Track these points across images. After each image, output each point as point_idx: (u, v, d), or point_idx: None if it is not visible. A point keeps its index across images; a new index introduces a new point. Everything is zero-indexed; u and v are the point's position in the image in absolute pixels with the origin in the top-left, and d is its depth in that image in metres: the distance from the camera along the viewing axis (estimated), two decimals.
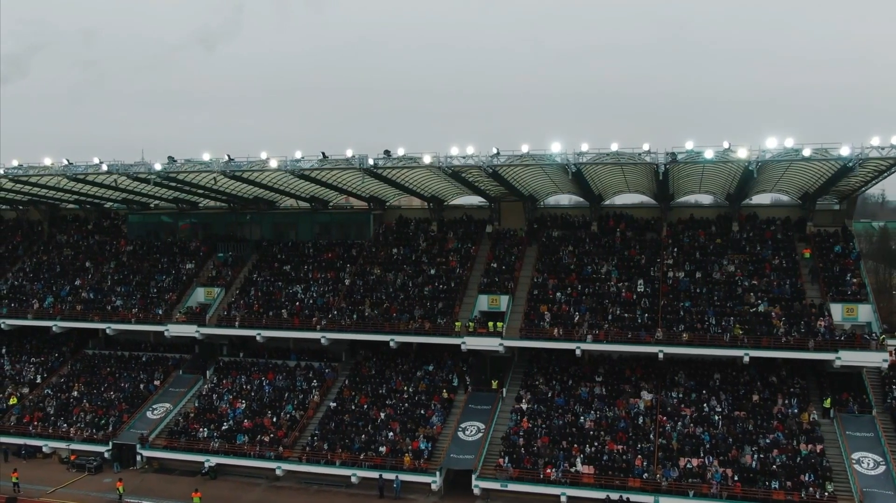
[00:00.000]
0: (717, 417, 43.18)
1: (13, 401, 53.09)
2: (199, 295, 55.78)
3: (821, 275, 47.15)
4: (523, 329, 47.20)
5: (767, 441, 40.96)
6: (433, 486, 41.94)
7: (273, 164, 44.66)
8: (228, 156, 45.69)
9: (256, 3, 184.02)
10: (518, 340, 46.86)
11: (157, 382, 53.06)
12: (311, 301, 52.84)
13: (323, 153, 44.23)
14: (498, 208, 55.78)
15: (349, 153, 43.63)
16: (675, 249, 51.03)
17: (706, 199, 56.09)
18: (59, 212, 67.31)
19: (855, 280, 46.17)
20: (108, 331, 54.16)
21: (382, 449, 43.97)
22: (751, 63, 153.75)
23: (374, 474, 42.84)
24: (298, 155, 44.66)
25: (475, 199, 60.33)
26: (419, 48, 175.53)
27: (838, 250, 48.58)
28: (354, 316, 50.57)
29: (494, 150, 41.40)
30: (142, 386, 52.92)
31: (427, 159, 42.28)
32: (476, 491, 41.36)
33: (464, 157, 42.27)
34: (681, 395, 45.29)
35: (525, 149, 40.92)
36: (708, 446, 41.13)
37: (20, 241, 65.66)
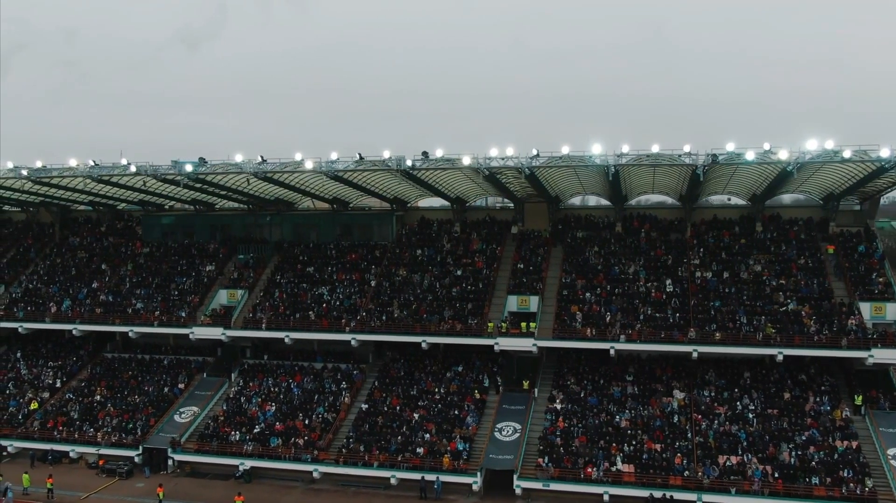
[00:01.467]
0: (751, 415, 43.75)
1: (34, 405, 52.27)
2: (222, 297, 55.32)
3: (847, 274, 47.97)
4: (556, 329, 47.46)
5: (803, 438, 41.60)
6: (474, 487, 42.04)
7: (309, 165, 44.49)
8: (262, 157, 45.43)
9: (240, 3, 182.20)
10: (551, 341, 47.12)
11: (181, 385, 52.55)
12: (337, 302, 52.67)
13: (359, 154, 44.18)
14: (522, 209, 56.00)
15: (386, 154, 43.67)
16: (702, 250, 51.60)
17: (723, 198, 56.55)
18: (70, 213, 66.42)
19: (881, 279, 47.04)
20: (130, 334, 53.53)
21: (420, 450, 43.97)
22: (737, 64, 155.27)
23: (413, 475, 42.85)
24: (334, 156, 44.53)
25: (494, 200, 60.71)
26: (401, 49, 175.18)
27: (862, 250, 49.46)
28: (384, 317, 50.52)
29: (534, 152, 41.65)
30: (166, 389, 52.39)
31: (466, 160, 42.39)
32: (518, 491, 41.51)
33: (502, 159, 42.45)
34: (713, 394, 45.83)
35: (565, 150, 41.18)
36: (745, 444, 41.67)
37: (31, 244, 64.66)
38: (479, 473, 42.16)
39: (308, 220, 60.60)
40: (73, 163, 48.96)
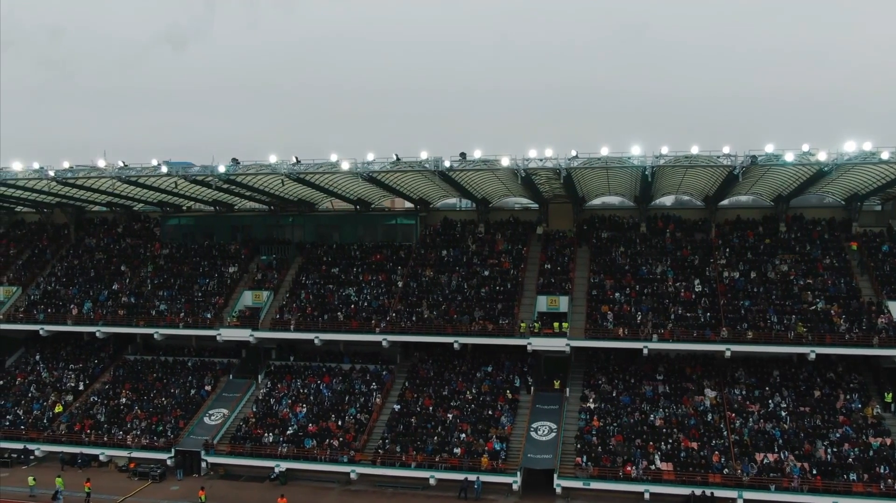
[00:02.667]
0: (783, 413, 44.35)
1: (58, 408, 51.77)
2: (247, 298, 55.09)
3: (872, 273, 48.74)
4: (588, 329, 47.78)
5: (837, 435, 42.23)
6: (514, 486, 42.25)
7: (345, 166, 44.51)
8: (296, 158, 45.39)
9: (227, 1, 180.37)
10: (584, 340, 47.44)
11: (208, 387, 52.28)
12: (365, 303, 52.65)
13: (396, 156, 44.23)
14: (546, 210, 56.29)
15: (423, 155, 43.78)
16: (727, 250, 52.17)
17: (747, 199, 57.30)
18: (85, 214, 65.79)
19: None
20: (156, 336, 53.15)
21: (457, 450, 44.11)
22: (724, 61, 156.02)
23: (450, 475, 42.99)
24: (370, 157, 44.55)
25: (515, 200, 60.99)
26: (388, 48, 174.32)
27: (886, 249, 50.26)
28: (413, 318, 50.59)
29: (573, 153, 41.95)
30: (192, 391, 52.09)
31: (505, 162, 42.63)
32: (558, 490, 41.77)
33: (540, 160, 42.71)
34: (744, 392, 46.36)
35: (605, 151, 41.50)
36: (780, 442, 42.23)
37: (46, 245, 63.97)
38: (518, 473, 42.36)
39: (330, 221, 60.53)
40: (101, 164, 48.66)
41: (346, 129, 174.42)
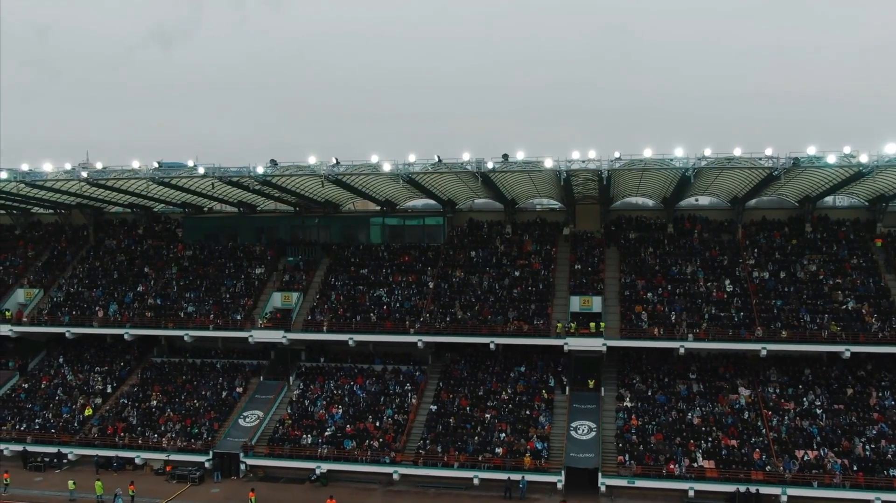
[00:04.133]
0: (818, 411, 45.08)
1: (88, 411, 51.31)
2: (276, 300, 54.94)
3: None
4: (623, 329, 48.25)
5: (874, 432, 43.01)
6: (559, 485, 42.57)
7: (386, 167, 44.58)
8: (336, 159, 45.40)
9: (215, 1, 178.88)
10: (620, 340, 47.91)
11: (239, 389, 52.08)
12: (397, 304, 52.73)
13: (438, 157, 44.38)
14: (573, 211, 56.68)
15: (466, 156, 43.97)
16: (755, 250, 52.88)
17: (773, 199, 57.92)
18: (103, 215, 65.19)
19: None
20: (186, 338, 52.85)
21: (499, 450, 44.35)
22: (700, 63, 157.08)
23: (493, 475, 43.24)
24: (412, 158, 44.68)
25: (539, 201, 61.34)
26: (374, 48, 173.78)
27: None
28: (447, 319, 50.78)
29: (616, 154, 42.35)
30: (224, 393, 51.87)
31: (549, 163, 42.94)
32: (602, 488, 42.14)
33: (583, 161, 43.07)
34: (778, 391, 47.06)
35: (648, 153, 41.94)
36: (818, 439, 42.93)
37: (66, 247, 63.31)
38: (562, 472, 42.69)
39: (357, 222, 60.51)
40: (135, 165, 48.31)
41: (332, 128, 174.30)
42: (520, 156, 43.33)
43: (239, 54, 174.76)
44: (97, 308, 55.79)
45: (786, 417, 44.80)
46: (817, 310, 47.59)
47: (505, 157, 43.65)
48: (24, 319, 55.86)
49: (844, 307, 47.60)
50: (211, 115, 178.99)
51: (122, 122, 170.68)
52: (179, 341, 56.16)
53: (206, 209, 63.42)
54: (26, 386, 54.73)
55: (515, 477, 42.68)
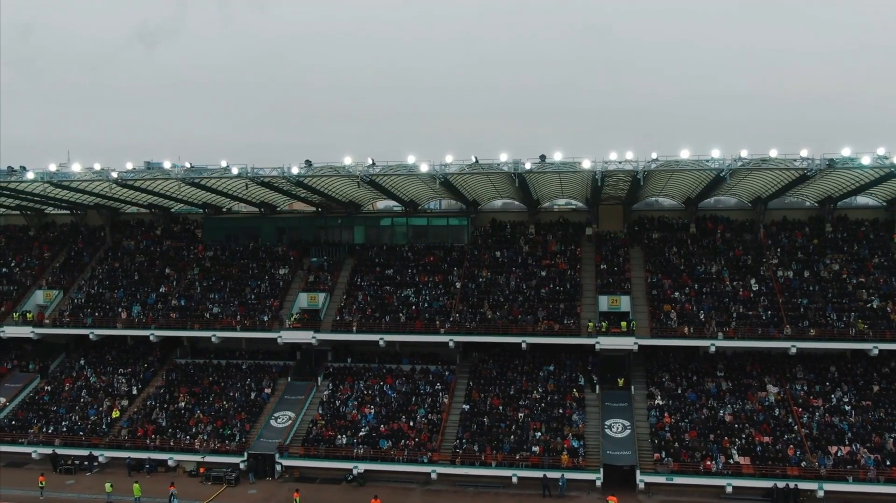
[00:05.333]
0: (847, 407, 45.93)
1: (116, 414, 50.97)
2: (302, 300, 54.91)
3: None
4: (653, 328, 48.83)
5: None
6: (597, 483, 43.02)
7: (424, 168, 44.79)
8: (372, 160, 45.53)
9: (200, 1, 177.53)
10: (651, 339, 48.47)
11: (267, 390, 51.99)
12: (425, 305, 52.93)
13: (475, 158, 44.65)
14: (596, 211, 57.19)
15: (503, 157, 44.32)
16: (778, 250, 53.72)
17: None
18: (120, 216, 64.72)
19: None
20: (213, 339, 52.66)
21: (535, 448, 44.71)
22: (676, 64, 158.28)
23: (531, 474, 43.58)
24: (448, 159, 44.90)
25: (563, 201, 61.86)
26: (359, 47, 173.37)
27: None
28: (477, 318, 51.06)
29: (654, 155, 42.90)
30: (253, 394, 51.75)
31: (587, 164, 43.38)
32: (641, 485, 42.64)
33: (619, 162, 43.56)
34: (806, 388, 47.87)
35: (685, 154, 42.52)
36: (850, 434, 43.76)
37: (83, 248, 62.75)
38: (600, 469, 43.14)
39: (380, 223, 60.60)
40: (166, 165, 48.11)
41: (314, 128, 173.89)
42: (557, 156, 43.70)
43: (223, 54, 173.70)
44: (120, 309, 55.40)
45: (816, 414, 45.60)
46: (843, 309, 48.45)
47: (542, 157, 44.01)
48: (47, 321, 55.31)
49: (869, 305, 48.51)
50: (192, 114, 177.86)
51: (104, 123, 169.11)
52: (202, 342, 56.03)
53: (224, 209, 63.22)
54: (49, 388, 54.23)
55: (553, 475, 43.04)
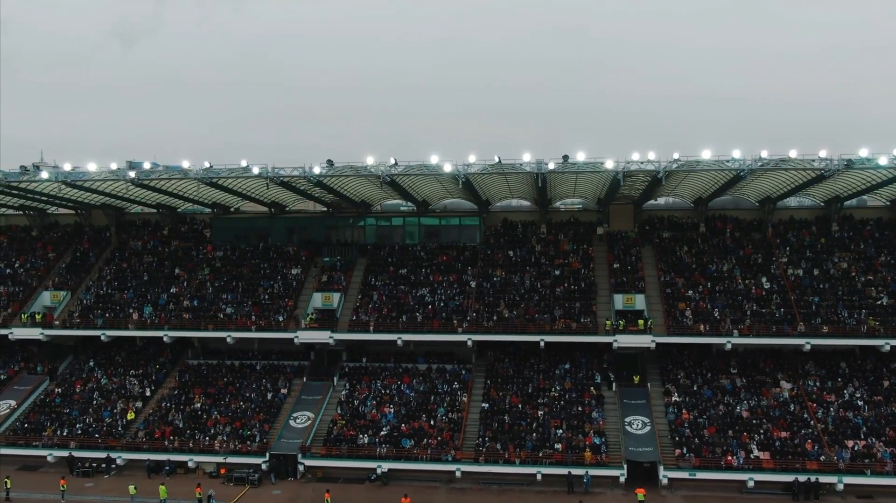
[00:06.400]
0: (860, 402, 46.98)
1: (131, 415, 50.48)
2: (316, 300, 54.79)
3: None
4: (669, 326, 49.52)
5: None
6: (621, 479, 43.57)
7: (447, 168, 45.03)
8: (395, 160, 45.63)
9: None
10: (668, 337, 49.17)
11: (284, 391, 51.82)
12: (441, 304, 53.12)
13: (498, 157, 44.95)
14: (607, 211, 57.81)
15: (526, 157, 44.68)
16: (787, 248, 54.72)
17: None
18: (125, 216, 64.06)
19: None
20: (228, 339, 52.37)
21: (558, 446, 45.14)
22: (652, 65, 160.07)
23: (554, 471, 44.01)
24: (472, 159, 45.16)
25: (573, 201, 62.39)
26: (337, 47, 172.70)
27: None
28: (494, 318, 51.38)
29: (676, 156, 43.51)
30: (269, 395, 51.55)
31: (610, 164, 43.88)
32: (664, 481, 43.23)
33: (641, 163, 44.13)
34: (818, 384, 48.86)
35: (706, 155, 43.18)
36: (865, 429, 44.77)
37: (88, 248, 62.01)
38: (624, 465, 43.68)
39: (392, 223, 60.68)
40: (185, 164, 47.78)
41: (288, 128, 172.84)
42: (580, 157, 44.15)
43: (200, 52, 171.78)
44: (131, 310, 54.87)
45: (830, 409, 46.57)
46: (853, 306, 49.51)
47: (565, 157, 44.42)
48: (56, 322, 54.61)
49: (879, 303, 49.64)
50: (168, 113, 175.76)
51: (80, 122, 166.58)
52: (213, 343, 55.72)
53: (232, 209, 62.89)
54: (59, 390, 53.55)
55: (577, 472, 43.49)
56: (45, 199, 56.19)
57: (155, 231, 62.95)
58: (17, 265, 60.84)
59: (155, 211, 62.67)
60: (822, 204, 57.02)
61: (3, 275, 59.76)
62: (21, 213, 63.06)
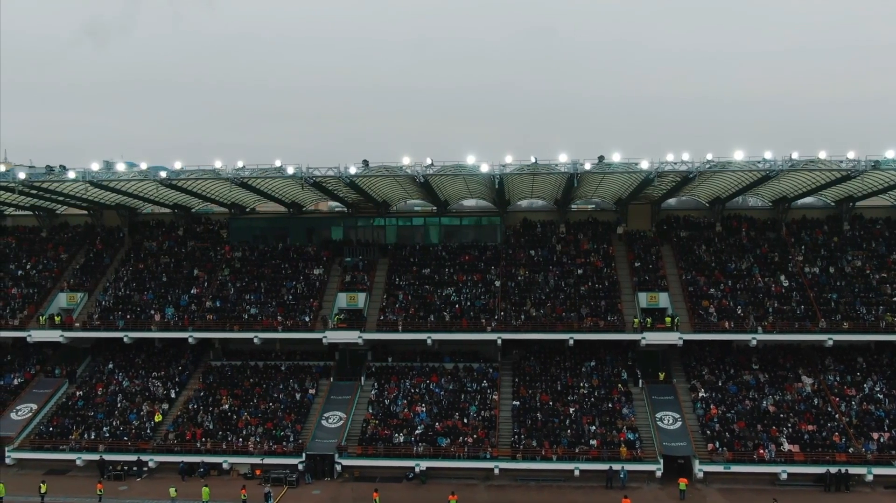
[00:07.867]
0: (881, 396, 48.51)
1: (158, 418, 49.99)
2: (341, 300, 54.75)
3: None
4: (695, 323, 50.56)
5: None
6: (658, 474, 44.43)
7: (484, 168, 45.44)
8: (431, 160, 45.93)
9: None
10: (695, 334, 50.20)
11: (312, 391, 51.75)
12: (468, 303, 53.50)
13: (535, 158, 45.51)
14: (626, 210, 58.73)
15: (562, 158, 45.31)
16: (802, 247, 56.18)
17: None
18: (138, 216, 63.28)
19: None
20: (255, 340, 52.12)
21: (593, 442, 45.84)
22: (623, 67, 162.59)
23: (591, 466, 44.75)
24: (508, 159, 45.66)
25: (590, 200, 63.20)
26: (310, 46, 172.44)
27: None
28: (522, 317, 51.92)
29: (709, 156, 44.50)
30: (297, 395, 51.44)
31: (645, 164, 44.71)
32: (700, 475, 44.20)
33: (674, 163, 45.04)
34: (838, 379, 50.30)
35: (739, 156, 44.25)
36: (888, 421, 46.26)
37: (102, 249, 61.12)
38: (660, 460, 44.55)
39: (413, 223, 60.88)
40: (217, 164, 47.55)
41: (258, 128, 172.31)
42: (615, 158, 44.92)
43: (171, 51, 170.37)
44: (152, 311, 54.28)
45: (853, 402, 48.01)
46: (871, 303, 51.06)
47: (601, 158, 45.14)
48: (76, 324, 53.79)
49: (895, 299, 51.26)
50: (137, 113, 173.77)
51: (47, 122, 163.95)
52: (234, 344, 55.42)
53: (248, 209, 62.54)
54: (80, 393, 52.76)
55: (616, 467, 44.23)
56: (62, 199, 55.26)
57: (169, 231, 62.27)
58: (28, 266, 59.71)
59: (168, 211, 62.04)
60: (833, 204, 58.60)
61: (16, 276, 58.63)
62: (30, 213, 61.90)
